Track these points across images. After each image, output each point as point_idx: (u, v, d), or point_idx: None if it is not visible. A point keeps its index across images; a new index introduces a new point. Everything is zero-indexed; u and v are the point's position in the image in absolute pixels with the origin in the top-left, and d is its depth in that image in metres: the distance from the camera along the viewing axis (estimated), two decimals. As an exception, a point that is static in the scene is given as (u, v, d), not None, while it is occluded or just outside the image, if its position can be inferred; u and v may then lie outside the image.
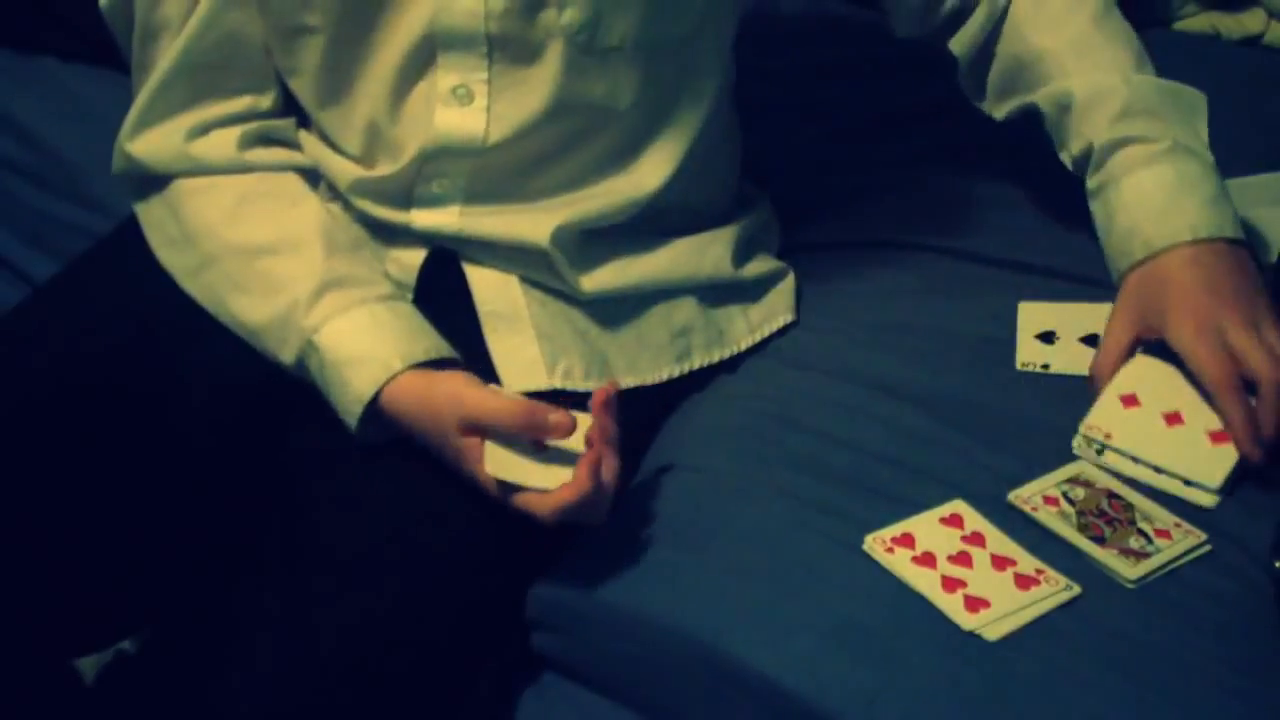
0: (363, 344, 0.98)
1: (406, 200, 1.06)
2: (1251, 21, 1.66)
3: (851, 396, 1.12)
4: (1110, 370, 1.05)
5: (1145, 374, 1.07)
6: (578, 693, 1.03)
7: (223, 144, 1.06)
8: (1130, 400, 1.06)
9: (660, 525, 1.03)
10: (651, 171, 1.07)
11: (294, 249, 1.02)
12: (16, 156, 1.55)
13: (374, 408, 0.98)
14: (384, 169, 1.05)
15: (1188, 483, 1.01)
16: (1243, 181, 1.37)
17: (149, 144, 1.06)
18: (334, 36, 1.01)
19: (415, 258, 1.08)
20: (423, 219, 1.06)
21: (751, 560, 0.99)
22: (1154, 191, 1.06)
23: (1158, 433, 1.04)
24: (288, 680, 0.90)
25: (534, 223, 1.04)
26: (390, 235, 1.08)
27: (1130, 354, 1.06)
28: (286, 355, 1.01)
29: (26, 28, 1.61)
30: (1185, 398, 1.05)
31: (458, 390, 0.96)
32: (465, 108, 1.01)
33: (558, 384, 1.04)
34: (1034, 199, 1.37)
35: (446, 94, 1.01)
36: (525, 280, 1.07)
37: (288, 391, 1.05)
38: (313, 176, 1.09)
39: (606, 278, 1.08)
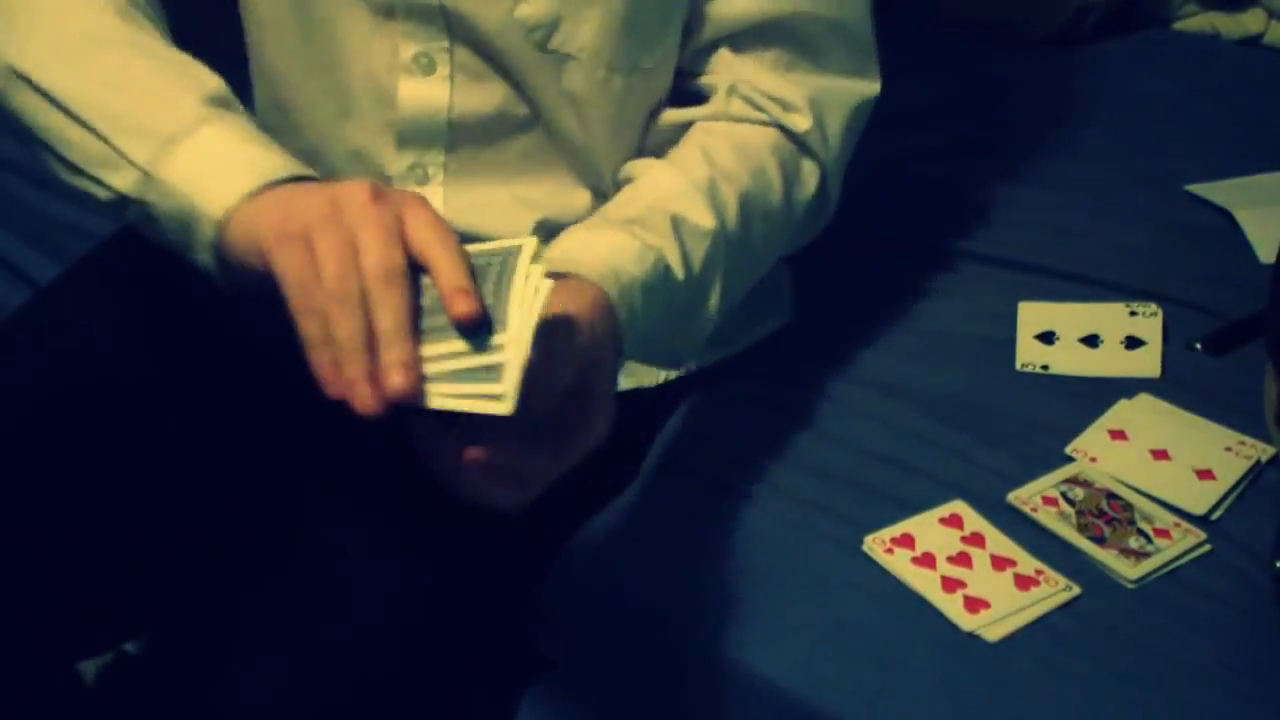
0: (242, 150, 0.81)
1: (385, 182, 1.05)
2: (1251, 21, 1.67)
3: (851, 396, 1.12)
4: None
5: (1136, 414, 1.08)
6: (578, 694, 1.04)
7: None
8: (1119, 435, 1.06)
9: (660, 526, 1.03)
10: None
11: (181, 69, 0.86)
12: (16, 156, 1.55)
13: (231, 232, 0.78)
14: (354, 138, 1.04)
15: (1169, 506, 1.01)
16: (1243, 181, 1.37)
17: None
18: None
19: None
20: None
21: (751, 561, 0.99)
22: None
23: (1144, 465, 1.04)
24: (290, 685, 0.90)
25: (515, 218, 1.04)
26: None
27: None
28: (136, 156, 0.82)
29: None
30: (1175, 438, 1.05)
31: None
32: (428, 77, 1.01)
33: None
34: (1034, 199, 1.37)
35: (409, 63, 1.01)
36: None
37: (294, 400, 1.04)
38: None
39: None
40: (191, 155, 0.81)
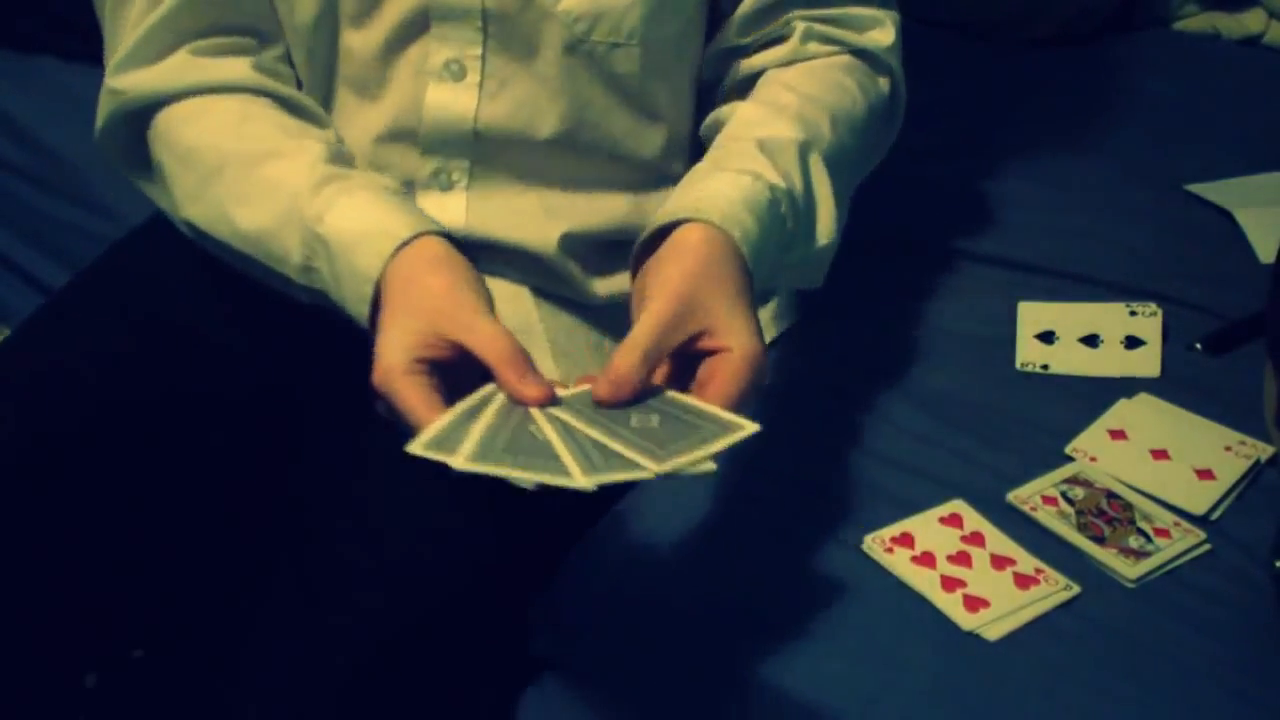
0: (369, 219, 0.89)
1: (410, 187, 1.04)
2: (1251, 21, 1.67)
3: (851, 396, 1.12)
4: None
5: (1136, 413, 1.08)
6: (579, 695, 1.03)
7: (237, 66, 1.00)
8: (1119, 435, 1.06)
9: (660, 527, 1.03)
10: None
11: (296, 152, 0.95)
12: (16, 157, 1.55)
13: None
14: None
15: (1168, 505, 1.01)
16: (1243, 181, 1.37)
17: (146, 76, 1.01)
18: None
19: None
20: (429, 207, 1.04)
21: (751, 560, 0.99)
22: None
23: (1144, 465, 1.04)
24: (296, 690, 0.90)
25: (540, 228, 1.03)
26: None
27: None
28: (295, 258, 0.92)
29: (26, 28, 1.61)
30: (1174, 437, 1.05)
31: (456, 294, 0.84)
32: (457, 84, 1.00)
33: None
34: (1034, 199, 1.37)
35: (439, 68, 1.00)
36: (537, 292, 1.06)
37: (298, 404, 1.04)
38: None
39: (622, 283, 1.07)
40: (329, 253, 0.90)
